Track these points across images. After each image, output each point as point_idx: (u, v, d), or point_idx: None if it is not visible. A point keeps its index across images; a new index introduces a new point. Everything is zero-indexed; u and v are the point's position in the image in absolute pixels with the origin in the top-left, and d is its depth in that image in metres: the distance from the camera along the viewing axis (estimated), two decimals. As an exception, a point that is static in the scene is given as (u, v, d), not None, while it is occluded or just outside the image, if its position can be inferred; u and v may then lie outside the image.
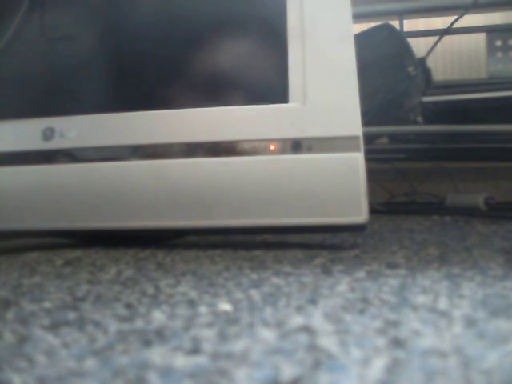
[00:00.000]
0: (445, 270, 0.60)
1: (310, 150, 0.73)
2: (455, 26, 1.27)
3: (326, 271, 0.60)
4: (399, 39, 1.28)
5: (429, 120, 1.29)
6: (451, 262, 0.64)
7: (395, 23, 1.38)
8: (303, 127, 0.73)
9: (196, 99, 0.78)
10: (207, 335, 0.39)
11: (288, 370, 0.32)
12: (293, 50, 0.75)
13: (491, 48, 1.43)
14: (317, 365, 0.33)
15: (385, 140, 1.38)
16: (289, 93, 0.74)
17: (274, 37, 0.76)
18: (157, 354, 0.36)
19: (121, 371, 0.33)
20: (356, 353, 0.35)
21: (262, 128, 0.74)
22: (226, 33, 0.80)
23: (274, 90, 0.75)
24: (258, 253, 0.72)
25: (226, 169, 0.75)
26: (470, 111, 1.28)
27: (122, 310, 0.47)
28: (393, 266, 0.62)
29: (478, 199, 1.15)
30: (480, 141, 1.28)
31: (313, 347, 0.36)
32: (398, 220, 1.09)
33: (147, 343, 0.38)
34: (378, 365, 0.32)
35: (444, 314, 0.43)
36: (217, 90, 0.80)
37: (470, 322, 0.40)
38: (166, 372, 0.33)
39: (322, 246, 0.78)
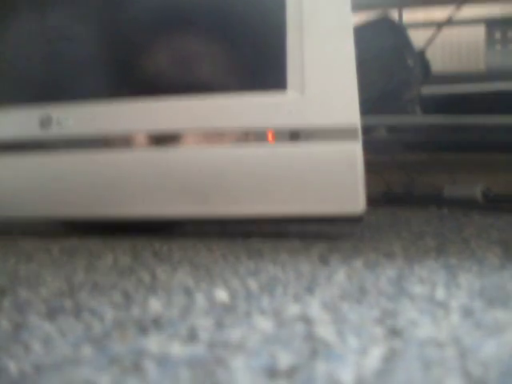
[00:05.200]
0: (442, 260, 0.60)
1: (307, 138, 0.72)
2: (455, 17, 1.27)
3: (323, 261, 0.60)
4: (398, 31, 1.27)
5: (427, 111, 1.29)
6: (448, 252, 0.64)
7: (394, 14, 1.38)
8: (301, 116, 0.73)
9: (195, 87, 0.78)
10: (204, 324, 0.39)
11: (285, 359, 0.32)
12: (291, 39, 0.74)
13: (490, 40, 1.43)
14: (314, 354, 0.33)
15: (383, 131, 1.38)
16: (287, 82, 0.74)
17: (273, 26, 0.76)
18: (153, 342, 0.36)
19: (117, 359, 0.33)
20: (353, 342, 0.34)
21: (260, 116, 0.74)
22: (225, 21, 0.79)
23: (272, 79, 0.75)
24: (255, 242, 0.72)
25: (224, 157, 0.75)
26: (468, 103, 1.28)
27: (118, 298, 0.47)
28: (390, 256, 0.62)
29: (476, 191, 1.15)
30: (478, 132, 1.28)
31: (310, 336, 0.36)
32: (395, 211, 1.09)
33: (144, 331, 0.38)
34: (375, 354, 0.32)
35: (441, 304, 0.42)
36: (216, 79, 0.79)
37: (467, 312, 0.40)
38: (163, 360, 0.32)
39: (319, 236, 0.78)
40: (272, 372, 0.30)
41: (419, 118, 1.29)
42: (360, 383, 0.29)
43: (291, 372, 0.30)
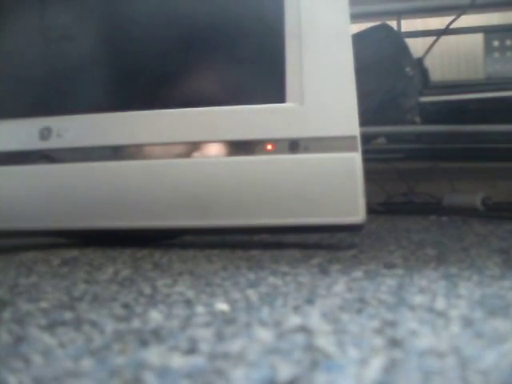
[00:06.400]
0: (442, 269, 0.60)
1: (307, 149, 0.73)
2: (453, 26, 1.28)
3: (324, 271, 0.60)
4: (397, 39, 1.28)
5: (426, 120, 1.29)
6: (448, 261, 0.64)
7: (393, 23, 1.38)
8: (300, 127, 0.73)
9: (193, 99, 0.78)
10: (204, 335, 0.39)
11: (285, 370, 0.32)
12: (290, 49, 0.75)
13: (489, 48, 1.43)
14: (314, 365, 0.33)
15: (382, 140, 1.38)
16: (286, 93, 0.74)
17: (272, 37, 0.76)
18: (153, 354, 0.36)
19: (117, 371, 0.33)
20: (353, 353, 0.34)
21: (259, 128, 0.74)
22: (223, 33, 0.79)
23: (271, 89, 0.75)
24: (255, 252, 0.72)
25: (224, 169, 0.75)
26: (467, 111, 1.28)
27: (118, 310, 0.47)
28: (390, 265, 0.62)
29: (476, 199, 1.15)
30: (477, 141, 1.28)
31: (310, 347, 0.36)
32: (395, 220, 1.09)
33: (144, 343, 0.38)
34: (376, 365, 0.32)
35: (441, 314, 0.42)
36: (215, 90, 0.80)
37: (467, 322, 0.40)
38: (163, 372, 0.32)
39: (319, 246, 0.78)
40: (272, 383, 0.30)
41: (418, 127, 1.29)
42: (360, 394, 0.29)
43: (291, 383, 0.30)
